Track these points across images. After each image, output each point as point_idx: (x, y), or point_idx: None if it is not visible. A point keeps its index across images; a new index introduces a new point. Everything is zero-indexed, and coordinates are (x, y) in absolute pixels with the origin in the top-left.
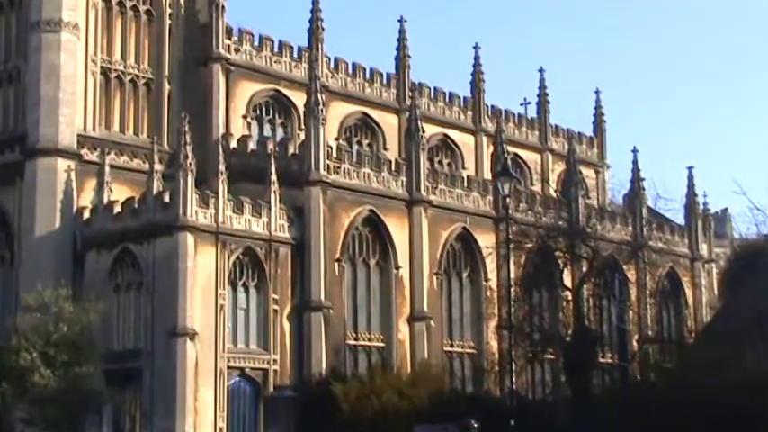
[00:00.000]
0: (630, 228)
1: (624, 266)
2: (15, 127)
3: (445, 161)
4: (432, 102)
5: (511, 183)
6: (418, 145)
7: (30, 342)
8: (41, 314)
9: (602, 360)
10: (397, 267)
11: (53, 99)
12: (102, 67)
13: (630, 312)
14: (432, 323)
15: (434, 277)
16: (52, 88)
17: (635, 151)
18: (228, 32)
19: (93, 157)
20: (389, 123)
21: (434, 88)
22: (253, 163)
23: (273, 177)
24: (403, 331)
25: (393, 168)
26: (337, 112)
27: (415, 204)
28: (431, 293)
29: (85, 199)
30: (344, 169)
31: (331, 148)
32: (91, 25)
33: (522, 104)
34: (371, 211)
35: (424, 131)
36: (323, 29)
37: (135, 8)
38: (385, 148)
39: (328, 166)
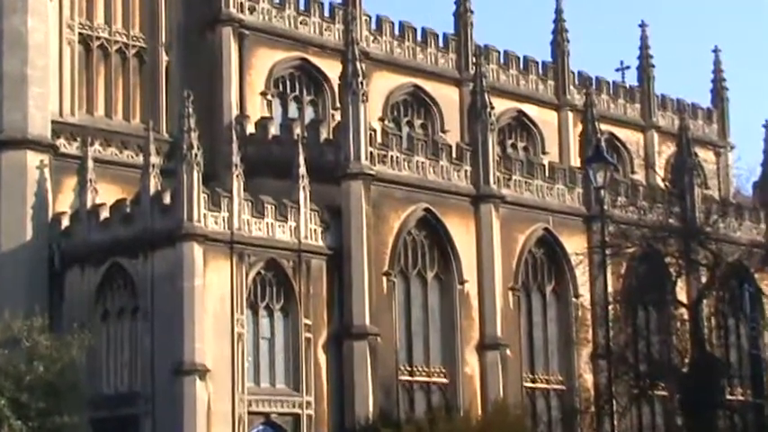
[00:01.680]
0: (764, 225)
1: (756, 275)
2: None
3: (520, 144)
4: (502, 69)
5: (606, 170)
6: (486, 125)
7: None
8: (10, 351)
9: (729, 397)
10: (462, 282)
11: (19, 76)
12: (81, 34)
13: (766, 335)
14: (508, 352)
15: (510, 293)
16: (18, 63)
17: (767, 126)
18: None
19: (73, 149)
20: (448, 98)
21: (504, 52)
22: (275, 152)
23: (302, 170)
24: (471, 363)
25: (454, 156)
26: (381, 85)
27: (484, 200)
28: (506, 314)
29: (64, 202)
30: (392, 158)
31: (374, 132)
32: None
33: (618, 70)
34: (427, 210)
35: (492, 107)
36: None
37: None
38: (443, 130)
39: (371, 154)
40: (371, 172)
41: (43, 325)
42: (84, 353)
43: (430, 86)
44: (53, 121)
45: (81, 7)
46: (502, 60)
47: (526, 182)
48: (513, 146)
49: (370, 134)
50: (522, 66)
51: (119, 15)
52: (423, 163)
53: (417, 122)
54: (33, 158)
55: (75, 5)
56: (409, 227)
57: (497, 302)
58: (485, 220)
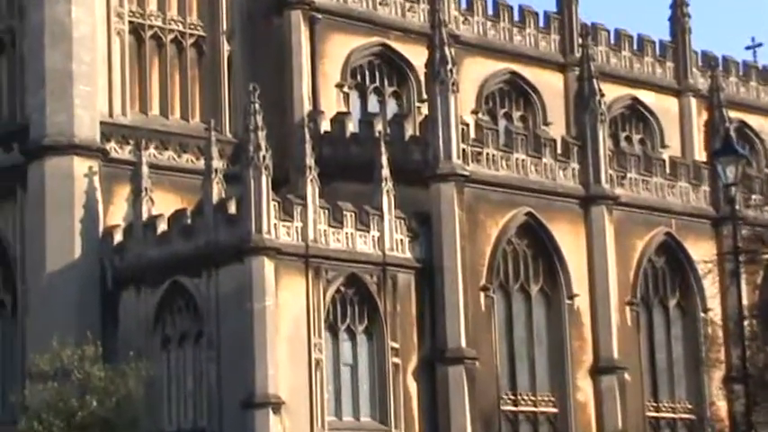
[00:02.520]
0: None
1: None
2: (11, 116)
3: (635, 137)
4: (612, 51)
5: (737, 164)
6: (595, 115)
7: (45, 424)
8: (60, 384)
9: None
10: (572, 296)
11: (63, 73)
12: (131, 23)
13: None
14: (626, 376)
15: (627, 309)
16: (61, 58)
17: None
18: None
19: (125, 153)
20: (551, 85)
21: (615, 31)
22: (354, 152)
23: (385, 172)
24: (584, 389)
25: (559, 152)
26: (474, 73)
27: (594, 202)
28: (623, 333)
29: (116, 215)
30: (488, 156)
31: (467, 126)
32: None
33: (748, 48)
34: (530, 215)
35: (602, 95)
36: None
37: None
38: (546, 123)
39: (464, 152)
40: (464, 172)
41: (96, 354)
42: (143, 385)
43: (530, 73)
44: (102, 123)
45: None
46: (612, 40)
47: (643, 180)
48: (628, 139)
49: (462, 129)
50: (636, 46)
51: (174, 1)
52: (523, 161)
53: (516, 114)
54: (81, 165)
55: None
56: (509, 234)
57: (613, 319)
58: (596, 225)
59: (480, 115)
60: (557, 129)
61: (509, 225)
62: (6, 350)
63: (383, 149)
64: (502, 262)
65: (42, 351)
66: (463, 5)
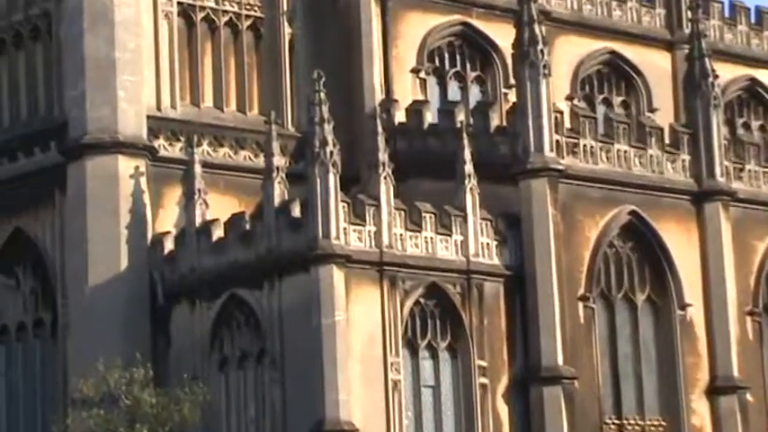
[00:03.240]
0: None
1: None
2: (48, 111)
3: (755, 123)
4: (727, 25)
5: None
6: (707, 100)
7: None
8: (107, 411)
9: None
10: (683, 306)
11: (105, 62)
12: (180, 3)
13: None
14: (748, 397)
15: (748, 320)
16: (103, 44)
17: None
18: None
19: (175, 151)
20: (656, 66)
21: (730, 3)
22: (433, 146)
23: (468, 167)
24: (699, 412)
25: (667, 141)
26: (568, 53)
27: (708, 199)
28: (744, 347)
29: (166, 220)
30: (585, 147)
31: (561, 114)
32: None
33: None
34: (634, 213)
35: (716, 76)
36: None
37: None
38: (651, 109)
39: (558, 143)
40: (559, 167)
41: (146, 377)
42: (198, 411)
43: (632, 52)
44: (149, 117)
45: None
46: (727, 14)
47: (765, 172)
48: (746, 125)
49: (556, 118)
50: (753, 19)
51: None
52: (626, 152)
53: (617, 100)
54: (126, 165)
55: None
56: (611, 236)
57: (732, 332)
58: (711, 225)
59: (576, 101)
60: (664, 116)
61: (610, 226)
62: (47, 374)
63: (466, 142)
64: (603, 268)
65: (86, 375)
66: None
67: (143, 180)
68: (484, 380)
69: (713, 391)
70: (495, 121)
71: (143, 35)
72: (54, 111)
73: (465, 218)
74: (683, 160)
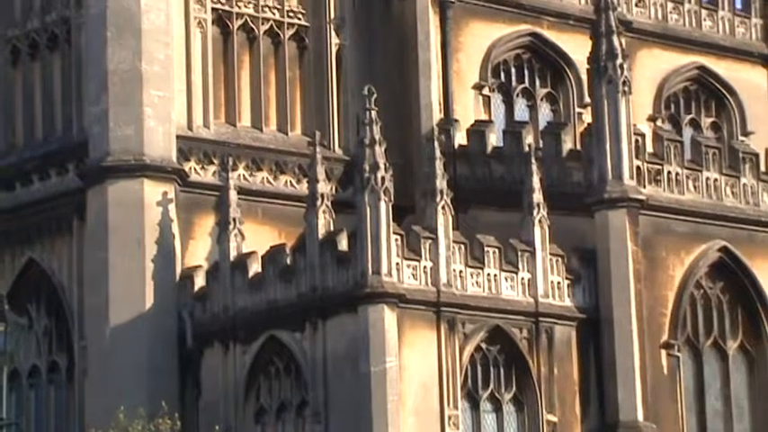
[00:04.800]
0: None
1: None
2: (66, 129)
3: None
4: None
5: None
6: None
7: None
8: None
9: None
10: None
11: (131, 75)
12: (215, 10)
13: None
14: None
15: None
16: (129, 56)
17: None
18: None
19: (208, 175)
20: (751, 84)
21: None
22: (497, 172)
23: (537, 196)
24: None
25: (763, 170)
26: (651, 69)
27: None
28: None
29: (197, 253)
30: (670, 175)
31: (642, 137)
32: None
33: None
34: (725, 250)
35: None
36: None
37: None
38: (745, 133)
39: (639, 170)
40: (640, 196)
41: (173, 428)
42: None
43: (723, 68)
44: (179, 137)
45: None
46: None
47: None
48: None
49: (637, 141)
50: None
51: None
52: (715, 180)
53: (706, 122)
54: (153, 191)
55: None
56: (698, 276)
57: None
58: None
59: (660, 123)
60: (759, 140)
61: (698, 264)
62: (61, 423)
63: (534, 168)
64: (689, 311)
65: (106, 426)
66: None
67: (171, 207)
68: None
69: None
70: (567, 145)
71: (173, 45)
72: (73, 129)
73: (533, 253)
74: None
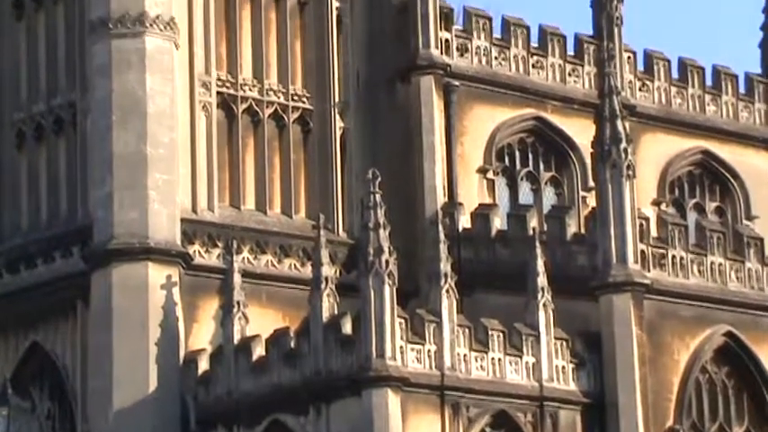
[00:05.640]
0: None
1: None
2: (71, 212)
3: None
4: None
5: None
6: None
7: None
8: None
9: None
10: None
11: (136, 158)
12: (220, 93)
13: None
14: None
15: None
16: (134, 139)
17: None
18: (446, 18)
19: (212, 258)
20: (754, 168)
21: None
22: (502, 256)
23: (541, 280)
24: None
25: (767, 254)
26: (655, 153)
27: None
28: None
29: (201, 336)
30: (675, 259)
31: (646, 221)
32: (199, 21)
33: None
34: (730, 335)
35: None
36: (618, 0)
37: None
38: (749, 217)
39: (643, 254)
40: (644, 281)
41: None
42: None
43: (727, 152)
44: (184, 220)
45: (220, 56)
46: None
47: None
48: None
49: (641, 225)
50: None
51: (273, 65)
52: (720, 265)
53: (710, 206)
54: (157, 274)
55: (211, 54)
56: (703, 361)
57: None
58: None
59: (664, 207)
60: (764, 224)
61: (703, 348)
62: None
63: (539, 251)
64: (694, 397)
65: None
66: (640, 66)
67: (176, 291)
68: None
69: None
70: (572, 229)
71: (178, 129)
72: (78, 212)
73: (537, 337)
74: None
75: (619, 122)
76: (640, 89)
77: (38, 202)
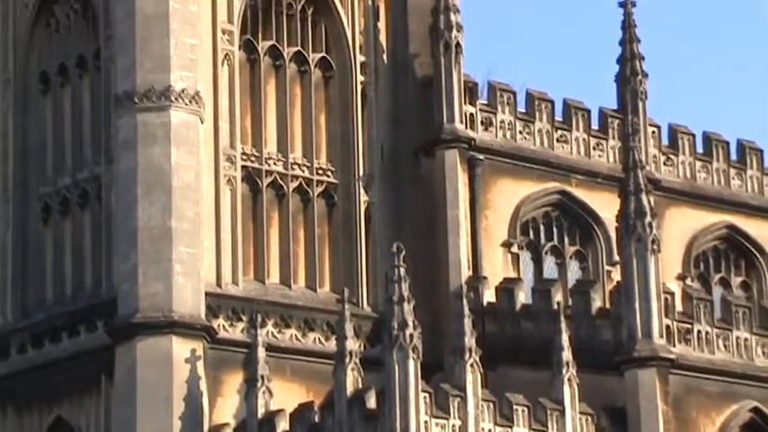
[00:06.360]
0: None
1: None
2: (96, 286)
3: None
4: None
5: None
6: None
7: None
8: None
9: None
10: None
11: (161, 231)
12: (245, 167)
13: None
14: None
15: None
16: (159, 212)
17: None
18: (470, 92)
19: (237, 332)
20: None
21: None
22: (526, 330)
23: (566, 355)
24: None
25: None
26: (680, 228)
27: None
28: None
29: (225, 410)
30: (700, 334)
31: (671, 296)
32: (224, 95)
33: None
34: (756, 411)
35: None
36: (643, 75)
37: (299, 60)
38: None
39: (668, 329)
40: (670, 356)
41: None
42: None
43: (753, 227)
44: (208, 294)
45: (245, 130)
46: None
47: None
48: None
49: (666, 300)
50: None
51: (297, 139)
52: (746, 341)
53: (736, 281)
54: (182, 348)
55: (236, 128)
56: None
57: None
58: None
59: (689, 282)
60: None
61: (729, 424)
62: None
63: (563, 326)
64: None
65: None
66: (664, 141)
67: (200, 365)
68: None
69: None
70: (596, 303)
71: (203, 202)
72: (102, 286)
73: (562, 412)
74: None
75: (644, 197)
76: (665, 163)
77: (63, 276)
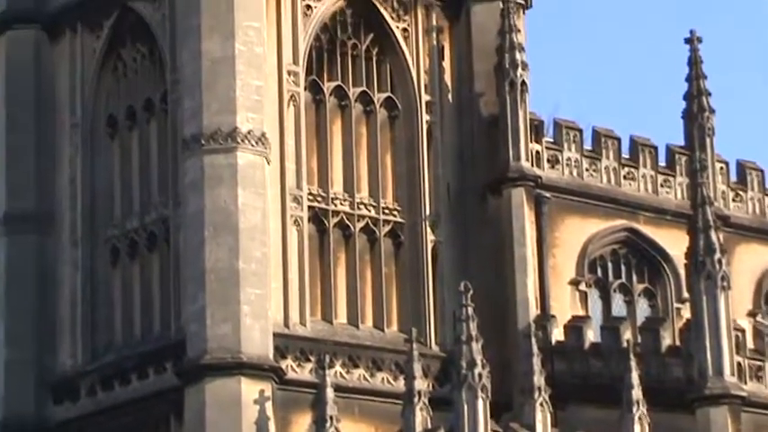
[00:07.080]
0: None
1: None
2: (164, 328)
3: None
4: None
5: None
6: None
7: None
8: None
9: None
10: None
11: (228, 273)
12: (311, 208)
13: None
14: None
15: None
16: (225, 254)
17: None
18: (536, 130)
19: (305, 373)
20: None
21: None
22: (595, 368)
23: (636, 393)
24: None
25: None
26: (750, 263)
27: None
28: None
29: None
30: None
31: (742, 333)
32: (290, 135)
33: None
34: None
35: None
36: (710, 111)
37: (365, 100)
38: None
39: (740, 366)
40: (742, 393)
41: None
42: None
43: None
44: (276, 335)
45: (311, 170)
46: None
47: None
48: None
49: (737, 337)
50: None
51: (364, 179)
52: None
53: None
54: (251, 389)
55: (302, 169)
56: None
57: None
58: None
59: (760, 318)
60: None
61: None
62: None
63: (633, 364)
64: None
65: None
66: (733, 177)
67: (269, 405)
68: None
69: None
70: (666, 341)
71: (270, 243)
72: (171, 328)
73: None
74: None
75: (713, 233)
76: (734, 199)
77: (131, 318)
